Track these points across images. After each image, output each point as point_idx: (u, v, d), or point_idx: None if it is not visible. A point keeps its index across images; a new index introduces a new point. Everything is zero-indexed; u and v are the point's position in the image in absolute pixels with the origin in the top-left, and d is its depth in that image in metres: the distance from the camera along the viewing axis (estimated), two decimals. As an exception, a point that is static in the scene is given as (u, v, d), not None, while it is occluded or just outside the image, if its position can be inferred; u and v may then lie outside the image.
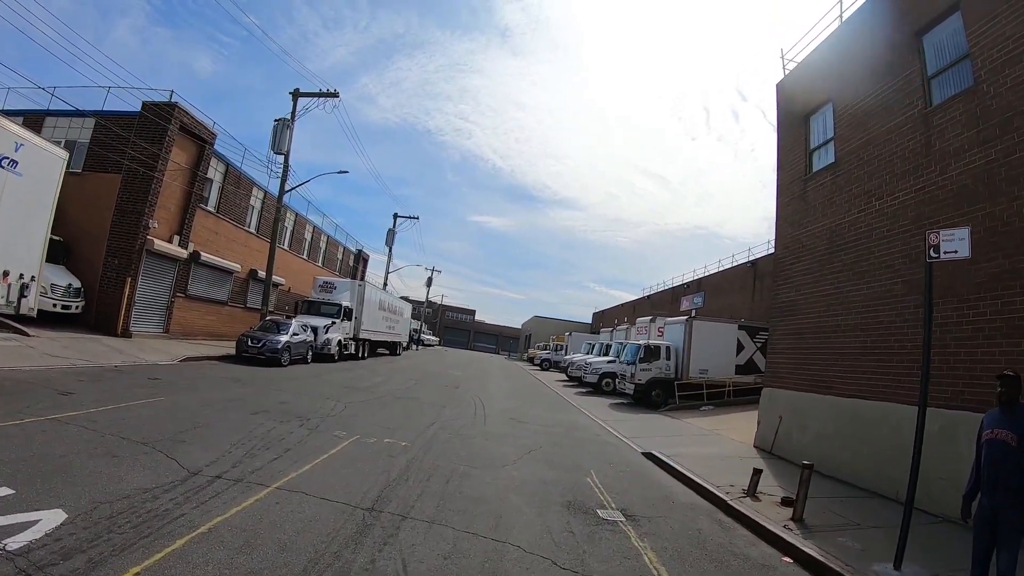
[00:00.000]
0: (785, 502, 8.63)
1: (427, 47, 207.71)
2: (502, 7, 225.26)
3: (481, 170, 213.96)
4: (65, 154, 15.71)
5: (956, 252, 6.77)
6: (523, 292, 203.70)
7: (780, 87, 16.22)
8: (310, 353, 24.74)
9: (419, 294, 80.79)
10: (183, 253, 24.98)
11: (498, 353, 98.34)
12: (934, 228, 7.45)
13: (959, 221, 9.22)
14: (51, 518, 4.88)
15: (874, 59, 11.88)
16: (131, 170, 22.03)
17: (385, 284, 51.95)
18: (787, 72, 16.12)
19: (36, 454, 6.62)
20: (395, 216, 54.92)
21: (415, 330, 68.70)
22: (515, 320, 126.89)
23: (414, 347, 62.36)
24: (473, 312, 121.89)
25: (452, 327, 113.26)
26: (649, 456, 12.29)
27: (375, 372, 25.23)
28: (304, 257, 40.72)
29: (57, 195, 15.17)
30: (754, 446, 13.82)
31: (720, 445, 14.14)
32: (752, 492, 9.08)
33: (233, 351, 21.93)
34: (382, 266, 54.40)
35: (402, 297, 51.40)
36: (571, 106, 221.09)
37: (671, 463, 11.22)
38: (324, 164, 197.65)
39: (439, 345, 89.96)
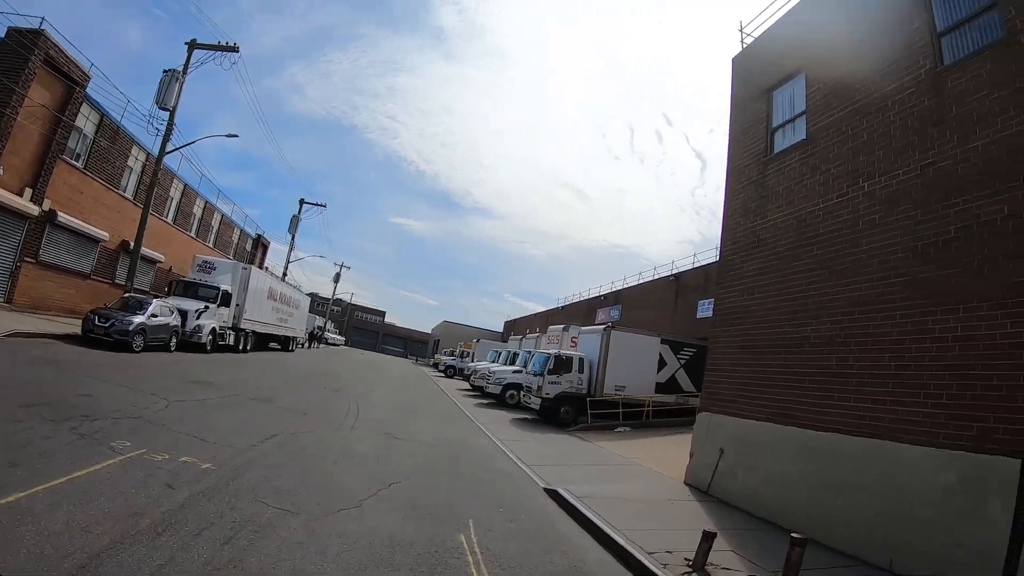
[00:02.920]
0: (755, 591, 5.77)
1: (361, 41, 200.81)
2: (438, 8, 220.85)
3: (404, 172, 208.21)
4: None
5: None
6: (437, 297, 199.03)
7: (737, 61, 13.83)
8: (174, 340, 20.80)
9: (327, 290, 76.09)
10: (34, 210, 20.43)
11: (406, 357, 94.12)
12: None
13: (987, 203, 6.90)
14: None
15: (863, 18, 9.58)
16: (-19, 105, 17.47)
17: (285, 274, 47.28)
18: (745, 45, 13.77)
19: None
20: (301, 202, 50.22)
21: (318, 327, 64.07)
22: (426, 325, 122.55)
23: (315, 344, 57.49)
24: (383, 313, 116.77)
25: (360, 327, 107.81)
26: (553, 495, 9.25)
27: (246, 367, 21.28)
28: (191, 235, 35.77)
29: None
30: (686, 483, 11.04)
31: (643, 480, 11.31)
32: (701, 565, 6.17)
33: (84, 330, 17.82)
34: (284, 257, 49.54)
35: (309, 293, 46.87)
36: (499, 114, 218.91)
37: (583, 509, 8.19)
38: (243, 149, 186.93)
39: (345, 345, 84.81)
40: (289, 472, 7.55)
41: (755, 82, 12.73)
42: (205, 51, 24.89)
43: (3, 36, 18.35)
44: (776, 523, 8.49)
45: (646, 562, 6.31)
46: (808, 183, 10.12)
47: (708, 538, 6.31)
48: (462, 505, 7.74)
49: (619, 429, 18.67)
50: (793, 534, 5.67)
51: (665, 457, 13.27)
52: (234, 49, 25.31)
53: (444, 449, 12.05)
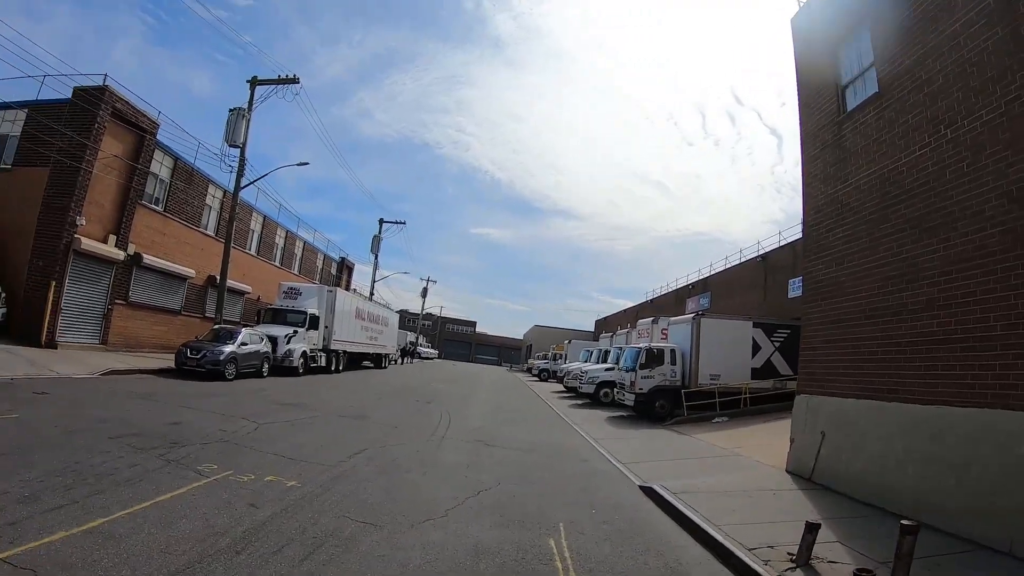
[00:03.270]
0: (862, 580, 5.38)
1: (421, 60, 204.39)
2: (493, 17, 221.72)
3: (480, 182, 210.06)
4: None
5: None
6: (526, 303, 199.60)
7: (796, 22, 13.14)
8: (266, 366, 21.92)
9: (415, 306, 77.90)
10: (120, 255, 22.07)
11: (500, 364, 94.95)
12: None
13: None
14: None
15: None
16: (59, 162, 19.26)
17: (371, 293, 48.75)
18: (801, 3, 13.09)
19: None
20: (380, 221, 51.70)
21: (411, 342, 65.49)
22: (517, 331, 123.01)
23: (408, 360, 58.85)
24: (474, 324, 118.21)
25: (452, 339, 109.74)
26: (649, 492, 9.04)
27: (337, 386, 22.12)
28: (276, 264, 37.59)
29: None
30: (787, 471, 10.54)
31: (743, 471, 10.88)
32: (805, 559, 5.84)
33: (178, 364, 19.05)
34: (369, 277, 51.05)
35: (399, 310, 48.13)
36: (567, 116, 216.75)
37: (679, 506, 7.95)
38: (319, 177, 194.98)
39: (438, 358, 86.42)
40: (376, 485, 7.71)
41: (817, 40, 12.06)
42: (267, 86, 25.77)
43: (70, 96, 19.80)
44: (884, 508, 7.94)
45: (746, 559, 6.01)
46: (887, 138, 9.46)
47: (811, 529, 5.95)
48: (553, 508, 7.67)
49: (716, 420, 18.07)
50: (903, 520, 5.22)
51: (765, 445, 12.72)
52: (295, 81, 26.02)
53: (536, 453, 12.03)
